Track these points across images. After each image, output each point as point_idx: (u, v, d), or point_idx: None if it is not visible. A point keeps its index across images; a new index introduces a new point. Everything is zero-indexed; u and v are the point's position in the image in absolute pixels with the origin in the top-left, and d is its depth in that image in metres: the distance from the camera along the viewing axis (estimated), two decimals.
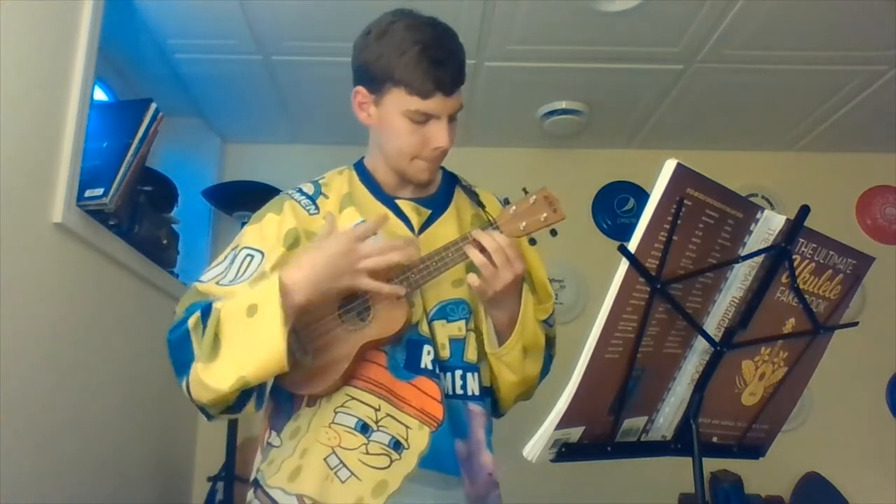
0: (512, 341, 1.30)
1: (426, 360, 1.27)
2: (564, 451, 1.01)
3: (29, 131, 1.61)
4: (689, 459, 1.08)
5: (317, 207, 1.35)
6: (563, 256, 3.15)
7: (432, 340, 1.28)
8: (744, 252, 1.06)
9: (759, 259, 1.07)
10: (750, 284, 1.08)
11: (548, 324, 1.42)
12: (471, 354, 1.31)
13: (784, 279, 1.10)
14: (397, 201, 1.37)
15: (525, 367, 1.33)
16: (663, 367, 1.10)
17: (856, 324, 1.24)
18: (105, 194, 1.82)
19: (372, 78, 1.29)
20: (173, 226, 2.40)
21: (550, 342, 1.43)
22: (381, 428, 1.24)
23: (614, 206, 3.23)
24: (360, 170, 1.41)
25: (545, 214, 1.29)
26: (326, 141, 3.08)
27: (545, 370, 1.42)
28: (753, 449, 1.26)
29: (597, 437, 1.04)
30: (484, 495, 1.30)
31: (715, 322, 1.09)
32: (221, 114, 2.98)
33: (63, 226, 1.71)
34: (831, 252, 1.14)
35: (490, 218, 1.30)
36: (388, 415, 1.24)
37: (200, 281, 1.30)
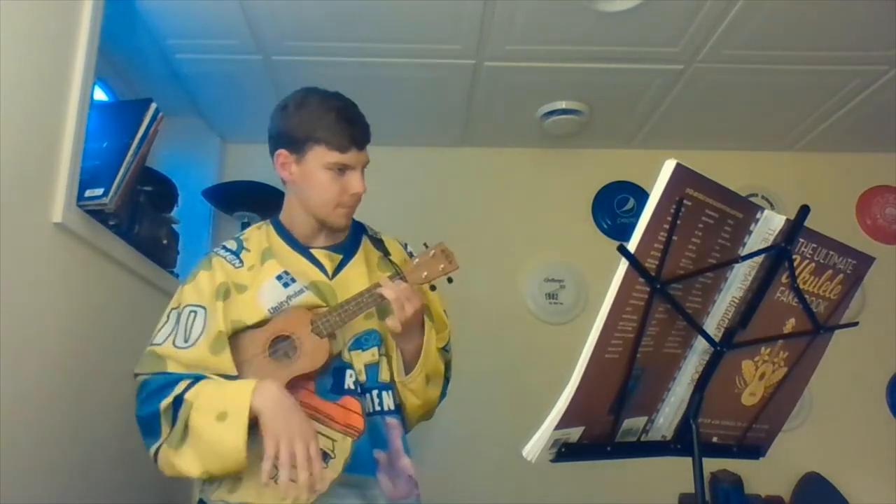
0: (417, 370, 1.53)
1: (349, 381, 1.50)
2: (564, 451, 1.01)
3: (29, 131, 1.61)
4: (689, 459, 1.08)
5: (241, 261, 1.56)
6: (562, 256, 3.15)
7: (352, 366, 1.51)
8: (744, 252, 1.06)
9: (758, 259, 1.07)
10: (750, 284, 1.09)
11: (445, 350, 1.64)
12: (384, 375, 1.55)
13: (784, 279, 1.10)
14: (312, 250, 1.60)
15: (427, 392, 1.57)
16: (663, 367, 1.10)
17: (856, 324, 1.24)
18: (105, 194, 1.82)
19: (293, 141, 1.53)
20: (173, 226, 2.40)
21: (447, 365, 1.66)
22: None
23: (614, 206, 3.23)
24: (277, 225, 1.64)
25: (442, 265, 1.53)
26: None
27: (443, 393, 1.65)
28: (753, 449, 1.26)
29: (596, 437, 1.05)
30: (406, 494, 1.51)
31: (715, 322, 1.10)
32: (221, 114, 2.98)
33: (63, 226, 1.71)
34: (831, 252, 1.14)
35: (397, 269, 1.56)
36: (317, 432, 1.42)
37: (155, 344, 1.48)
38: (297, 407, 1.37)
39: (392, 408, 1.54)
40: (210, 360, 1.44)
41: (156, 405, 1.38)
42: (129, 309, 2.12)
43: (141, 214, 2.11)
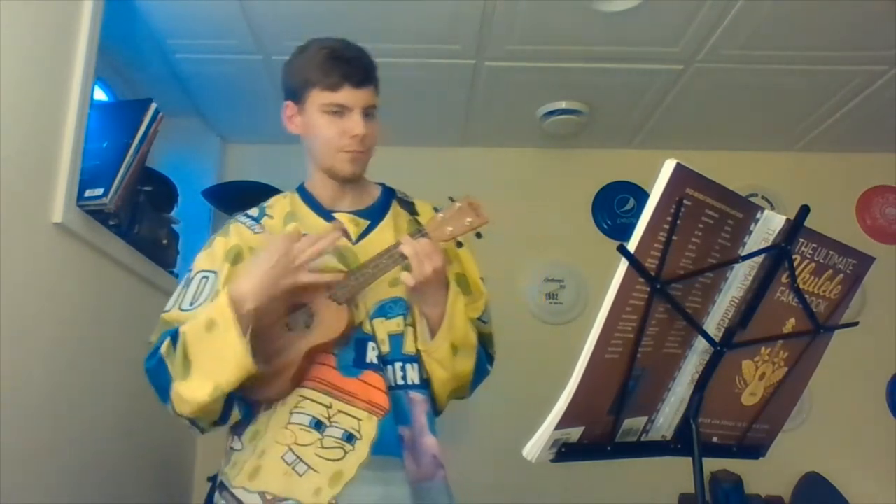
0: (440, 337, 1.41)
1: (371, 355, 1.40)
2: (564, 451, 1.01)
3: (29, 131, 1.61)
4: (689, 459, 1.08)
5: (261, 227, 1.49)
6: (563, 256, 3.15)
7: (374, 337, 1.41)
8: (744, 252, 1.06)
9: (758, 259, 1.07)
10: (750, 284, 1.08)
11: (482, 321, 1.52)
12: (409, 347, 1.44)
13: (784, 279, 1.10)
14: (335, 214, 1.50)
15: (455, 364, 1.44)
16: (663, 367, 1.10)
17: (856, 324, 1.24)
18: (105, 194, 1.82)
19: (294, 90, 1.47)
20: (173, 226, 2.40)
21: (488, 340, 1.55)
22: (333, 423, 1.36)
23: (614, 206, 3.23)
24: (301, 191, 1.56)
25: (469, 219, 1.39)
26: None
27: (483, 369, 1.52)
28: (753, 449, 1.26)
29: (597, 437, 1.04)
30: (430, 475, 1.41)
31: (715, 322, 1.10)
32: (221, 114, 2.98)
33: (63, 226, 1.71)
34: (831, 252, 1.14)
35: (420, 225, 1.43)
36: (339, 411, 1.36)
37: (165, 311, 1.42)
38: (264, 257, 1.33)
39: (417, 382, 1.43)
40: None
41: (158, 352, 1.34)
42: (129, 309, 2.12)
43: (141, 214, 2.11)
